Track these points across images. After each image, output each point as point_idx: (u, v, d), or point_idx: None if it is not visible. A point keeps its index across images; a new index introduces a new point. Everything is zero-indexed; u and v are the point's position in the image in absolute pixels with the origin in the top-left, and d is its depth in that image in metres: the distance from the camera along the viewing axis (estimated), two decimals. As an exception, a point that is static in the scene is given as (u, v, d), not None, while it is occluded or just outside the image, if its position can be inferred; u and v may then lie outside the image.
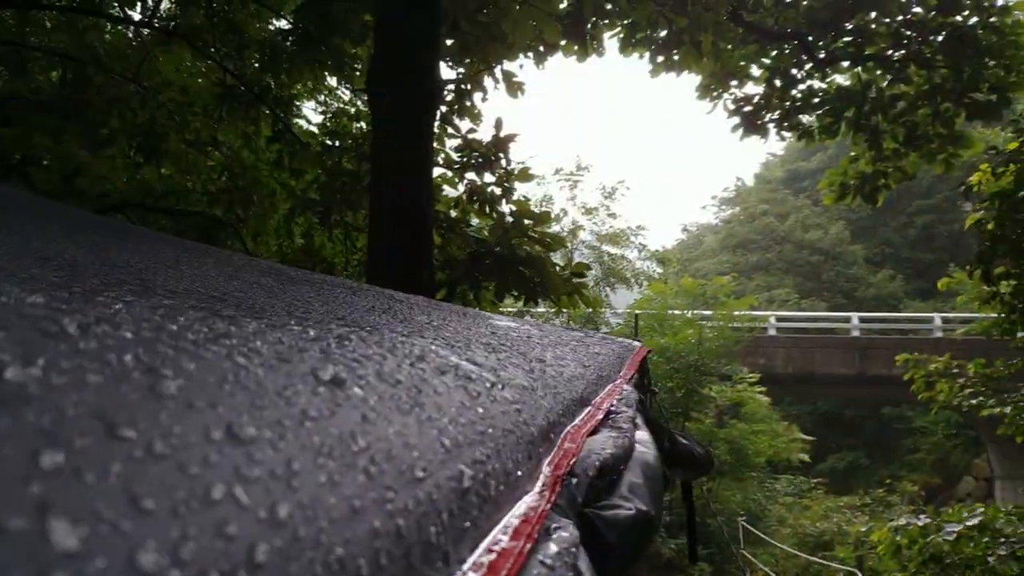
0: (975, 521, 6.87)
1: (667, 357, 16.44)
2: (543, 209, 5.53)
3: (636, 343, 1.86)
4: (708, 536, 14.48)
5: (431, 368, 0.63)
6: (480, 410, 0.58)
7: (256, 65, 7.47)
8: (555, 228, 20.88)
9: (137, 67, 7.54)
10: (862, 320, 27.98)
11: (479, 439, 0.53)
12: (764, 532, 13.11)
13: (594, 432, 0.79)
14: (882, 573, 8.36)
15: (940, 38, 8.17)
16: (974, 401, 9.80)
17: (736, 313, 17.46)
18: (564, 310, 10.88)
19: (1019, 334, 8.96)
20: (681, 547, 13.53)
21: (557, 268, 5.20)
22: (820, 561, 8.83)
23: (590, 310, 19.67)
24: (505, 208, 5.27)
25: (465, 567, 0.42)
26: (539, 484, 0.58)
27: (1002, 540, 6.69)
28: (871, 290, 38.55)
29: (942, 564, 6.87)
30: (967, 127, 9.32)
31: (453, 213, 5.58)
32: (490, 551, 0.44)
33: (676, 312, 17.52)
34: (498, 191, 5.18)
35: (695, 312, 17.61)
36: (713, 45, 6.95)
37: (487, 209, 5.21)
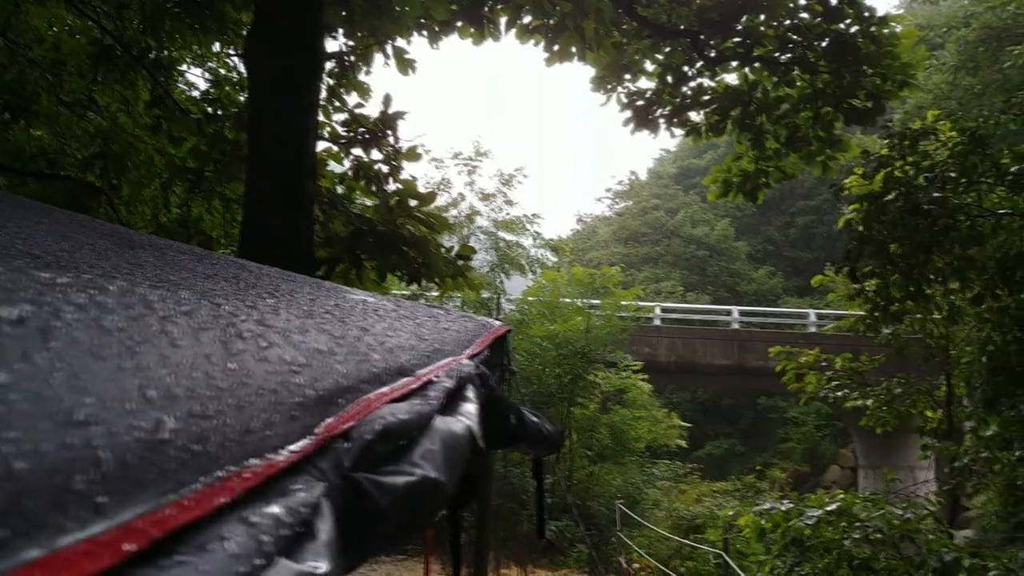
0: (834, 507, 7.23)
1: (556, 344, 16.68)
2: (434, 191, 5.48)
3: (496, 322, 1.85)
4: (588, 518, 14.81)
5: (190, 324, 0.59)
6: (233, 366, 0.55)
7: (136, 26, 7.09)
8: (452, 213, 20.79)
9: (6, 19, 7.03)
10: (742, 313, 29.17)
11: (213, 394, 0.50)
12: (641, 515, 13.52)
13: (400, 400, 0.77)
14: (748, 555, 8.73)
15: (824, 44, 8.48)
16: (840, 393, 10.38)
17: (623, 303, 17.87)
18: (454, 294, 10.85)
19: (884, 331, 9.53)
20: (561, 529, 13.79)
21: (443, 250, 5.16)
22: (690, 543, 9.17)
23: (487, 295, 19.78)
24: (392, 187, 5.19)
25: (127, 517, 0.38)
26: (298, 445, 0.55)
27: (857, 525, 7.08)
28: (752, 285, 40.22)
29: (803, 547, 7.20)
30: (845, 132, 9.76)
31: (340, 190, 5.45)
32: (172, 506, 0.41)
33: (567, 300, 17.78)
34: (385, 169, 5.09)
35: (584, 301, 17.92)
36: (603, 35, 7.00)
37: (373, 187, 5.11)
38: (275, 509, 0.46)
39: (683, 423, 20.89)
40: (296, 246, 3.69)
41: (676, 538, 10.34)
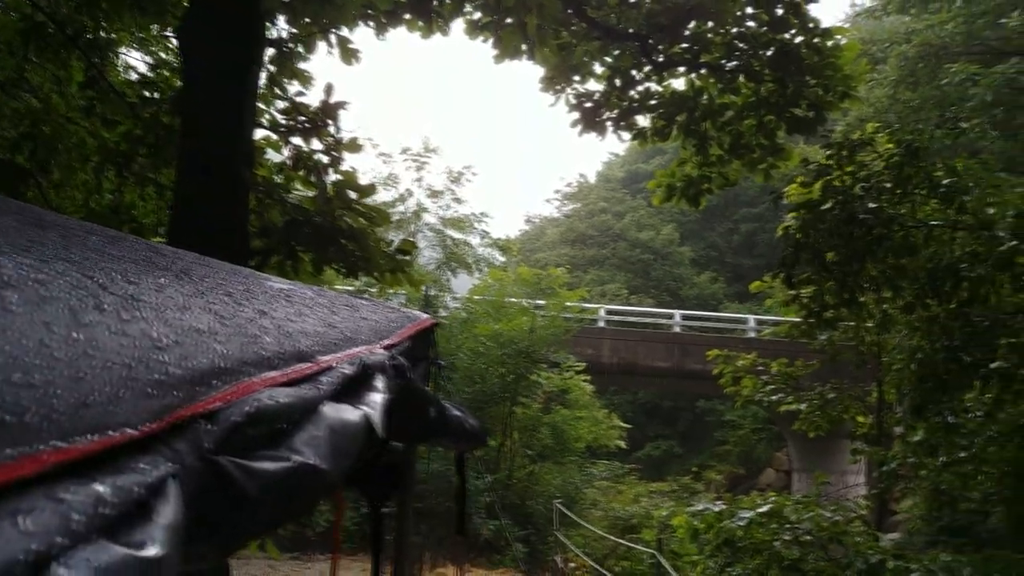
0: (766, 509, 7.36)
1: (500, 343, 16.67)
2: (374, 183, 5.37)
3: (421, 315, 1.82)
4: (527, 517, 14.83)
5: (39, 292, 0.55)
6: (79, 337, 0.51)
7: (71, 3, 6.85)
8: (399, 209, 20.63)
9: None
10: (684, 317, 29.56)
11: (43, 363, 0.46)
12: (579, 514, 13.59)
13: (290, 384, 0.73)
14: (682, 556, 8.82)
15: (769, 53, 8.61)
16: (774, 397, 10.58)
17: (568, 304, 17.95)
18: (398, 291, 10.74)
19: (819, 337, 9.73)
20: (499, 528, 13.77)
21: (383, 244, 5.09)
22: (626, 543, 9.24)
23: (432, 292, 19.67)
24: (332, 178, 5.10)
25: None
26: (148, 423, 0.51)
27: (788, 526, 7.21)
28: (695, 290, 40.83)
29: (734, 548, 7.31)
30: (788, 141, 9.94)
31: (279, 179, 5.34)
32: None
33: (512, 300, 17.79)
34: (325, 159, 4.99)
35: (530, 301, 17.95)
36: (547, 32, 6.97)
37: (313, 177, 5.02)
38: (98, 487, 0.43)
39: (624, 424, 21.08)
40: (229, 235, 3.59)
41: (612, 538, 10.42)
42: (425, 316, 1.82)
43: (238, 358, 0.68)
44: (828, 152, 7.38)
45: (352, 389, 0.87)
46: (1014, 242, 6.35)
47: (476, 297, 18.29)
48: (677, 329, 28.69)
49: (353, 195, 4.89)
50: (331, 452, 0.69)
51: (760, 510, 7.27)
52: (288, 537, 11.99)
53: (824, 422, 10.14)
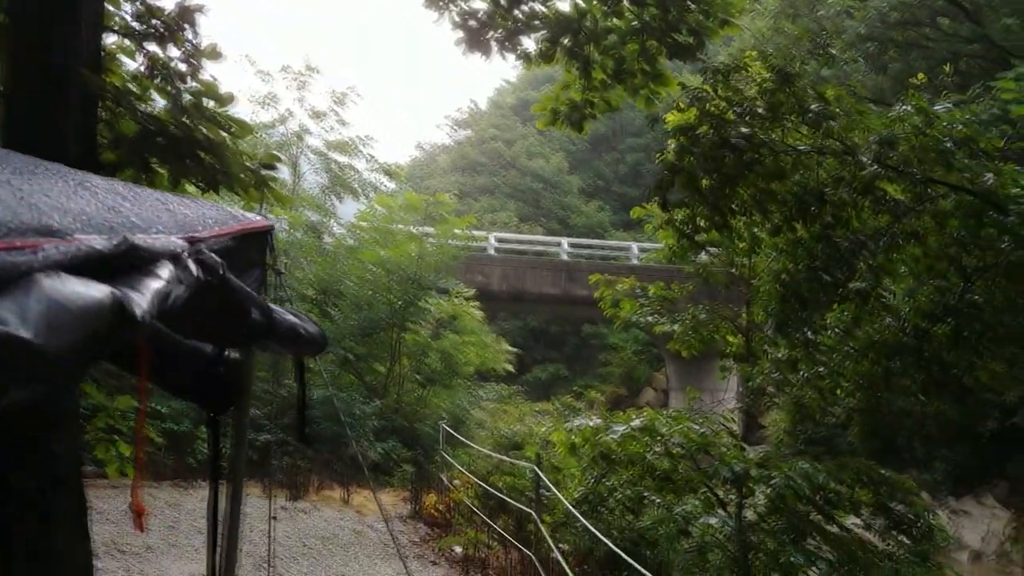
0: (639, 423, 7.63)
1: (388, 269, 16.49)
2: (232, 92, 5.04)
3: (254, 217, 1.73)
4: (415, 440, 14.99)
5: None
6: None
7: None
8: (280, 131, 19.82)
9: None
10: (571, 245, 30.08)
11: None
12: (465, 435, 13.85)
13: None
14: (562, 470, 9.12)
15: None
16: (651, 319, 10.94)
17: (457, 231, 17.86)
18: (277, 212, 10.37)
19: (694, 259, 10.05)
20: (388, 451, 13.87)
21: (245, 158, 4.85)
22: (510, 459, 9.50)
23: (316, 218, 19.12)
24: (192, 86, 4.79)
25: None
26: None
27: (659, 439, 7.52)
28: (582, 219, 41.48)
29: (609, 460, 7.59)
30: (672, 70, 10.01)
31: (133, 88, 4.97)
32: None
33: (400, 226, 17.55)
34: (183, 67, 4.67)
35: (419, 228, 17.76)
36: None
37: (169, 87, 4.69)
38: None
39: (512, 348, 21.44)
40: (66, 143, 3.32)
41: (496, 455, 10.68)
42: (258, 218, 1.72)
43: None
44: (704, 77, 7.47)
45: (110, 270, 0.79)
46: (875, 167, 6.65)
47: (363, 223, 17.92)
48: (565, 257, 29.18)
49: (212, 105, 4.62)
50: (48, 325, 0.62)
51: (634, 424, 7.54)
52: (171, 466, 11.88)
53: (697, 342, 10.56)
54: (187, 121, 4.28)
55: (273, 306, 1.54)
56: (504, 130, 47.72)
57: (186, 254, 1.03)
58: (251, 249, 1.59)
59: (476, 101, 54.55)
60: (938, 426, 16.55)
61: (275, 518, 10.00)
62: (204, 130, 4.10)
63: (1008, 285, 7.41)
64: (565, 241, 30.06)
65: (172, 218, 1.18)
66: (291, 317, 1.61)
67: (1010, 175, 6.72)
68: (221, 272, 1.21)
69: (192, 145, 4.03)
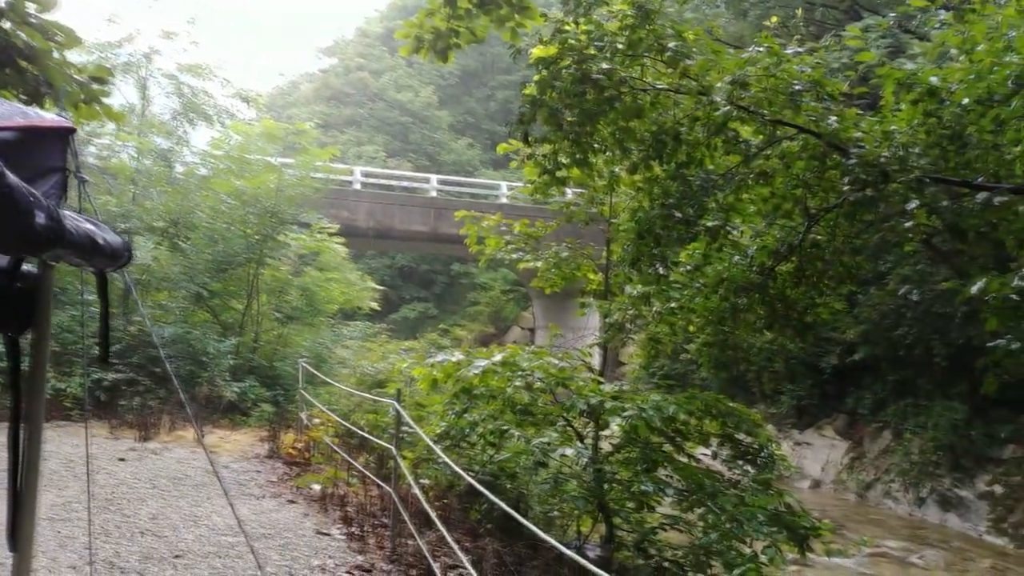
0: (500, 358, 7.69)
1: (244, 201, 15.74)
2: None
3: (47, 115, 1.53)
4: (275, 378, 14.62)
5: None
6: None
7: None
8: (127, 50, 18.35)
9: None
10: (440, 182, 29.77)
11: None
12: (328, 373, 13.59)
13: None
14: (424, 406, 9.11)
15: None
16: (515, 255, 10.99)
17: (319, 163, 17.21)
18: (85, 121, 9.64)
19: (555, 196, 10.10)
20: (245, 390, 13.46)
21: (74, 71, 4.42)
22: (372, 397, 9.39)
23: (167, 146, 17.93)
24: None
25: None
26: None
27: (520, 373, 7.60)
28: (452, 156, 41.08)
29: (471, 395, 7.62)
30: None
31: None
32: None
33: (257, 156, 16.71)
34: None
35: (278, 159, 16.99)
36: None
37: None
38: None
39: (378, 286, 21.11)
40: None
41: (358, 392, 10.54)
42: (53, 117, 1.52)
43: None
44: (565, 9, 7.40)
45: None
46: (728, 107, 6.82)
47: (216, 152, 16.95)
48: (434, 194, 28.89)
49: (34, 9, 4.15)
50: None
51: (495, 359, 7.59)
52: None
53: (559, 279, 10.72)
54: (2, 26, 3.84)
55: (67, 212, 1.36)
56: (372, 59, 46.21)
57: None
58: (46, 151, 1.41)
59: (342, 29, 52.39)
60: (784, 362, 17.71)
61: (123, 459, 9.56)
62: (24, 36, 3.68)
63: (848, 226, 7.87)
64: (434, 178, 29.71)
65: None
66: (88, 224, 1.44)
67: (852, 119, 7.07)
68: None
69: (9, 51, 3.62)
